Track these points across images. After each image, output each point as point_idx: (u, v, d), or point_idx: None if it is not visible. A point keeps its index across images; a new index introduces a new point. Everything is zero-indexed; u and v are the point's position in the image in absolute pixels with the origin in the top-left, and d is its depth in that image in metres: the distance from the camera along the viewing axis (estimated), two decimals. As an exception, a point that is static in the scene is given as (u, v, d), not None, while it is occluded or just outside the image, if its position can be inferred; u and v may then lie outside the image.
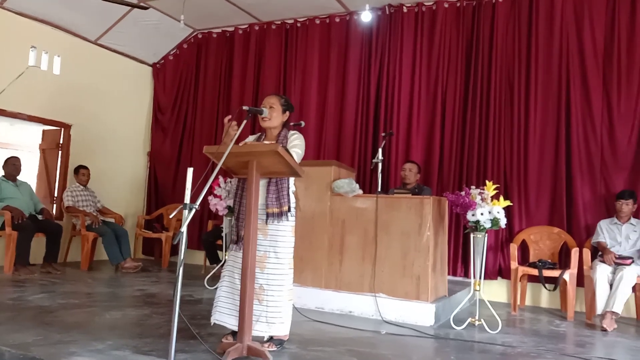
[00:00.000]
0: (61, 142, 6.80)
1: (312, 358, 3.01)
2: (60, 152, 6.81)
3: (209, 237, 6.19)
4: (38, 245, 5.80)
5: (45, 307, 3.92)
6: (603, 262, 4.59)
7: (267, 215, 3.03)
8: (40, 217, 5.91)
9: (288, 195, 3.08)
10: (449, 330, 3.95)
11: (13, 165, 5.87)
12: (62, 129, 6.78)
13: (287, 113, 3.30)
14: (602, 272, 4.46)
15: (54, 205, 6.75)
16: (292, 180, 3.19)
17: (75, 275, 5.66)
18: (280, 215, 3.04)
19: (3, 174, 5.84)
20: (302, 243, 4.09)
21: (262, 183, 3.06)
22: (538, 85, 5.55)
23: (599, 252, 4.79)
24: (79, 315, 3.76)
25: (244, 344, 2.81)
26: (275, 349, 3.07)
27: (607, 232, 4.84)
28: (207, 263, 6.35)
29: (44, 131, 6.99)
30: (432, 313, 4.06)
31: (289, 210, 3.07)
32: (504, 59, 5.72)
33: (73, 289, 4.84)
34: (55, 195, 6.77)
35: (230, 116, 3.11)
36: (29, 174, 6.93)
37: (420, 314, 4.08)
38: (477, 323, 4.07)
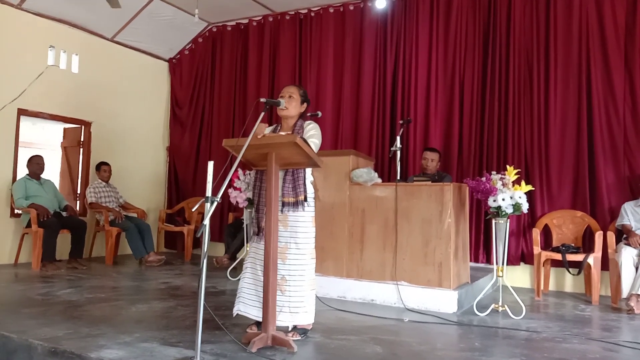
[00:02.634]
0: (82, 139, 6.90)
1: (336, 347, 3.03)
2: (81, 149, 6.92)
3: (230, 230, 6.25)
4: (63, 242, 5.93)
5: (73, 302, 4.01)
6: (628, 245, 4.51)
7: (283, 204, 3.04)
8: (64, 214, 6.02)
9: (304, 184, 3.09)
10: (473, 316, 3.94)
11: (37, 164, 5.98)
12: (83, 127, 6.88)
13: (305, 105, 3.29)
14: (627, 255, 4.40)
15: (78, 202, 6.87)
16: (309, 170, 3.20)
17: (100, 270, 5.76)
18: (296, 204, 3.04)
19: (27, 172, 5.95)
20: (322, 233, 4.10)
21: (279, 174, 3.07)
22: (558, 66, 5.45)
23: (623, 235, 4.72)
24: (106, 309, 3.83)
25: (269, 333, 2.85)
26: (300, 338, 3.09)
27: (631, 214, 4.75)
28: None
29: (65, 129, 7.11)
30: (454, 300, 4.05)
31: (305, 199, 3.07)
32: (522, 41, 5.62)
33: (99, 284, 4.94)
34: (78, 192, 6.89)
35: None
36: (52, 172, 7.06)
37: (442, 301, 4.08)
38: (500, 309, 4.04)
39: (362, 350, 2.98)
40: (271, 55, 7.12)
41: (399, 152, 4.70)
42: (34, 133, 9.14)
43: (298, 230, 3.08)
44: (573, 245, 4.98)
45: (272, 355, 2.75)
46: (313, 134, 3.17)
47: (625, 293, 4.32)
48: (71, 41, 6.56)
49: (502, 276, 4.06)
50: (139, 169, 7.46)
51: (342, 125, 6.53)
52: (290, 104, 3.20)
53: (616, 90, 5.19)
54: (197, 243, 7.04)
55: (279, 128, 3.34)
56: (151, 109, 7.72)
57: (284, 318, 3.03)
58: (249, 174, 5.34)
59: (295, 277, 3.06)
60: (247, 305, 3.10)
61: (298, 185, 3.07)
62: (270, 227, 2.89)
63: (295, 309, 3.04)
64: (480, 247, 5.61)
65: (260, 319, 2.98)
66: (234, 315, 3.17)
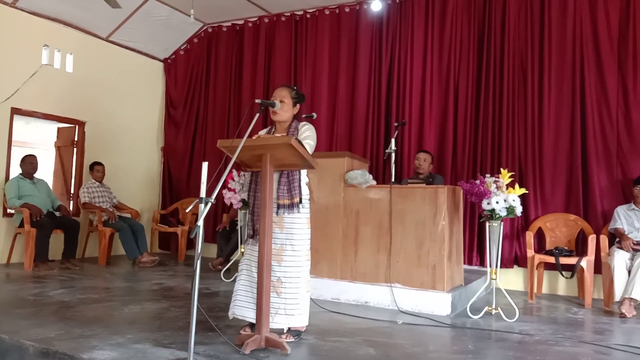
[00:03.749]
0: (76, 139, 6.87)
1: (329, 348, 3.03)
2: (75, 149, 6.88)
3: (223, 232, 6.23)
4: (56, 242, 5.89)
5: (66, 302, 3.98)
6: (621, 248, 4.54)
7: (278, 206, 3.04)
8: (57, 213, 5.99)
9: (299, 186, 3.09)
10: (466, 319, 3.94)
11: (30, 163, 5.95)
12: (77, 126, 6.85)
13: (298, 106, 3.29)
14: (620, 259, 4.42)
15: (71, 202, 6.83)
16: (304, 171, 3.20)
17: (93, 270, 5.73)
18: (291, 206, 3.04)
19: (20, 172, 5.92)
20: (317, 235, 4.09)
21: (274, 175, 3.07)
22: (552, 70, 5.47)
23: (616, 238, 4.74)
24: (98, 310, 3.81)
25: (262, 335, 2.84)
26: (293, 339, 3.09)
27: (624, 218, 4.78)
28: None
29: (59, 129, 7.07)
30: (448, 302, 4.06)
31: (300, 201, 3.07)
32: (517, 45, 5.65)
33: (92, 284, 4.91)
34: (72, 192, 6.85)
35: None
36: (46, 172, 7.02)
37: (436, 303, 4.08)
38: (494, 312, 4.06)
39: (356, 352, 2.98)
40: (266, 56, 7.12)
41: (393, 155, 4.72)
42: (28, 132, 9.09)
43: (294, 232, 3.08)
44: (566, 248, 5.00)
45: (265, 357, 2.75)
46: (308, 135, 3.17)
47: (617, 296, 4.34)
48: (66, 40, 6.53)
49: (495, 279, 4.08)
50: (133, 169, 7.43)
51: (337, 127, 6.53)
52: (282, 109, 3.19)
53: (609, 95, 5.22)
54: (191, 244, 7.02)
55: (273, 130, 3.33)
56: (146, 109, 7.69)
57: (280, 320, 3.03)
58: (244, 175, 5.33)
59: (291, 279, 3.05)
60: (243, 308, 3.09)
61: (293, 187, 3.06)
62: (265, 229, 2.89)
63: (291, 311, 3.03)
64: (474, 250, 5.63)
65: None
66: (230, 318, 3.16)
